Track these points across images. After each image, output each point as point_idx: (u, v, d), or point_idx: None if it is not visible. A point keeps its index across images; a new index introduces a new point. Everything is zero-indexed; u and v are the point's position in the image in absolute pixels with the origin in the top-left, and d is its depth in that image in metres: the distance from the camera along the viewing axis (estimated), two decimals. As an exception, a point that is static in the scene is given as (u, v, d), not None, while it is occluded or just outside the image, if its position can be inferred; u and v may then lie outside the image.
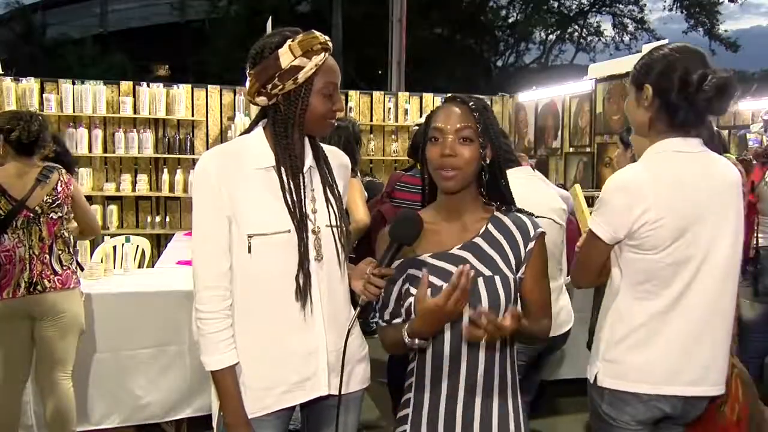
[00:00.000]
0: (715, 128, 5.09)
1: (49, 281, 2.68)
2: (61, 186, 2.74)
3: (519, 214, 1.50)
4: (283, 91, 1.44)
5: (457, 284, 1.25)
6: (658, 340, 1.59)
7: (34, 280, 2.65)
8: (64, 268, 2.73)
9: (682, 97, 1.57)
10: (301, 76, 1.43)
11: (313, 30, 1.48)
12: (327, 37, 1.48)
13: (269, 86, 1.44)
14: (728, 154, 4.34)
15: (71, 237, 2.83)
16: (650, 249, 1.57)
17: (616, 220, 1.58)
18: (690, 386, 1.60)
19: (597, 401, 1.67)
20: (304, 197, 1.49)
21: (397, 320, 1.49)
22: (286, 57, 1.42)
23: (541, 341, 1.59)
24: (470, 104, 1.44)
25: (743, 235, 1.65)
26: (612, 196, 1.60)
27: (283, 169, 1.46)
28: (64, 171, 2.80)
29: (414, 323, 1.35)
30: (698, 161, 1.61)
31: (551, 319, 1.52)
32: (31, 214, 2.67)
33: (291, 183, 1.46)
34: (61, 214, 2.74)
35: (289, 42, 1.43)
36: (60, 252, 2.73)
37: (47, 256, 2.69)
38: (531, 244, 1.46)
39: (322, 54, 1.44)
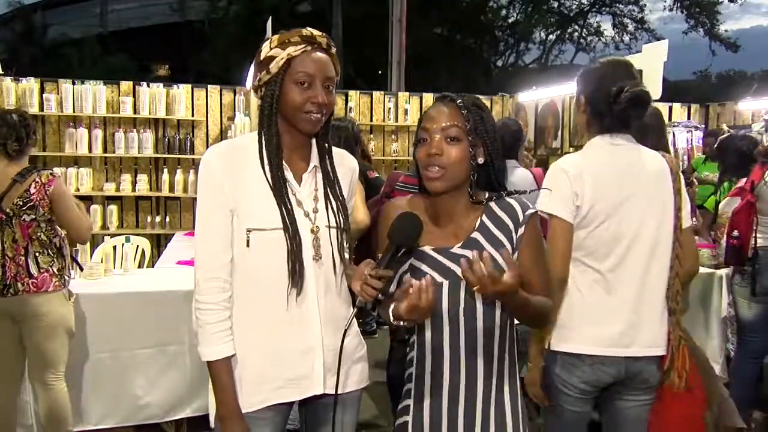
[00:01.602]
0: (726, 127, 5.12)
1: (23, 284, 2.62)
2: (35, 188, 2.65)
3: (508, 199, 1.47)
4: (261, 82, 1.48)
5: (420, 288, 1.26)
6: (598, 307, 1.82)
7: (8, 282, 2.61)
8: (42, 270, 2.66)
9: (604, 107, 1.84)
10: (273, 66, 1.45)
11: (307, 27, 1.49)
12: (317, 32, 1.48)
13: (255, 80, 1.50)
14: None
15: (58, 239, 2.76)
16: (586, 227, 1.81)
17: (565, 198, 1.79)
18: (627, 348, 1.81)
19: (551, 366, 1.86)
20: (302, 195, 1.50)
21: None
22: (264, 49, 1.47)
23: (541, 322, 1.58)
24: (458, 102, 1.41)
25: (673, 215, 1.88)
26: (556, 179, 1.83)
27: (264, 161, 1.47)
28: (46, 173, 2.70)
29: (398, 309, 1.32)
30: (627, 153, 1.87)
31: (552, 299, 1.50)
32: (3, 216, 2.62)
33: (274, 177, 1.47)
34: (35, 217, 2.66)
35: (273, 36, 1.47)
36: (37, 254, 2.67)
37: (22, 258, 2.63)
38: (521, 230, 1.43)
39: (301, 46, 1.45)
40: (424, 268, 1.43)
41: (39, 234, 2.69)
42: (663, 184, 1.87)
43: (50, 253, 2.71)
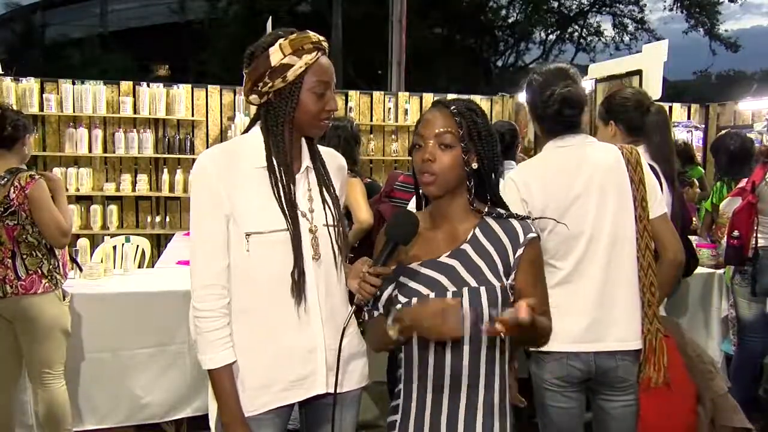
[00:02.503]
0: (682, 139, 5.17)
1: (11, 286, 2.60)
2: (14, 192, 2.60)
3: (510, 219, 1.47)
4: (273, 89, 1.45)
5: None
6: (562, 306, 1.81)
7: None
8: (30, 272, 2.63)
9: (541, 111, 1.94)
10: (290, 74, 1.44)
11: (307, 30, 1.48)
12: (321, 38, 1.48)
13: (260, 84, 1.46)
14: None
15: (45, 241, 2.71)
16: (543, 230, 1.85)
17: (514, 206, 1.78)
18: (594, 343, 1.84)
19: (529, 363, 1.90)
20: (296, 196, 1.50)
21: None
22: (276, 55, 1.44)
23: (540, 343, 1.58)
24: (452, 108, 1.42)
25: (632, 207, 1.90)
26: (505, 188, 1.87)
27: (275, 168, 1.47)
28: (25, 175, 2.63)
29: (402, 318, 1.33)
30: (574, 152, 1.92)
31: (550, 321, 1.51)
32: None
33: (283, 181, 1.47)
34: (17, 222, 2.62)
35: (280, 41, 1.44)
36: (25, 256, 2.64)
37: (10, 261, 2.61)
38: (520, 250, 1.43)
39: (314, 53, 1.45)
40: (412, 284, 1.43)
41: (26, 236, 2.65)
42: (617, 177, 1.90)
43: (39, 254, 2.67)
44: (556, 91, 1.89)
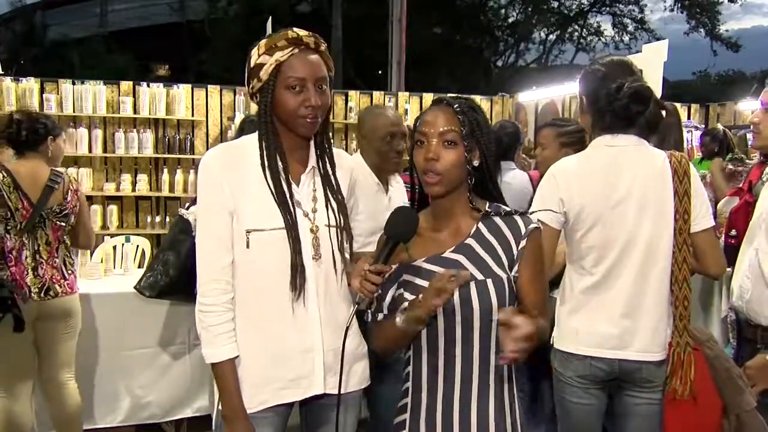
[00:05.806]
0: (721, 127, 5.13)
1: (60, 286, 2.66)
2: (70, 195, 2.67)
3: (512, 215, 1.47)
4: (255, 89, 1.48)
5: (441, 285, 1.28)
6: (589, 310, 1.84)
7: (46, 285, 2.63)
8: (69, 273, 2.70)
9: (605, 104, 1.84)
10: (263, 73, 1.45)
11: (293, 28, 1.48)
12: (303, 32, 1.47)
13: (247, 86, 1.51)
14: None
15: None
16: (577, 231, 1.84)
17: (551, 203, 1.82)
18: (618, 350, 1.82)
19: (552, 360, 1.94)
20: (300, 195, 1.51)
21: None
22: (254, 56, 1.47)
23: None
24: (455, 106, 1.42)
25: (672, 219, 1.84)
26: (546, 183, 1.88)
27: (266, 165, 1.48)
28: (72, 178, 2.70)
29: (408, 311, 1.35)
30: (622, 155, 1.84)
31: (548, 320, 1.50)
32: (38, 218, 2.63)
33: (277, 179, 1.47)
34: (66, 223, 2.68)
35: (262, 41, 1.47)
36: (65, 257, 2.71)
37: (56, 261, 2.66)
38: (523, 242, 1.43)
39: (288, 50, 1.44)
40: (417, 281, 1.43)
41: (64, 238, 2.72)
42: (660, 187, 1.83)
43: (71, 255, 2.76)
44: (626, 84, 1.80)
